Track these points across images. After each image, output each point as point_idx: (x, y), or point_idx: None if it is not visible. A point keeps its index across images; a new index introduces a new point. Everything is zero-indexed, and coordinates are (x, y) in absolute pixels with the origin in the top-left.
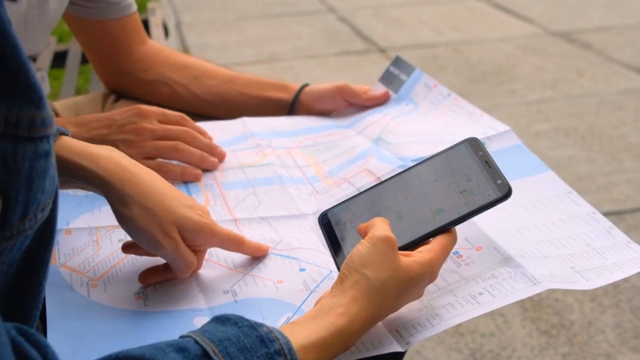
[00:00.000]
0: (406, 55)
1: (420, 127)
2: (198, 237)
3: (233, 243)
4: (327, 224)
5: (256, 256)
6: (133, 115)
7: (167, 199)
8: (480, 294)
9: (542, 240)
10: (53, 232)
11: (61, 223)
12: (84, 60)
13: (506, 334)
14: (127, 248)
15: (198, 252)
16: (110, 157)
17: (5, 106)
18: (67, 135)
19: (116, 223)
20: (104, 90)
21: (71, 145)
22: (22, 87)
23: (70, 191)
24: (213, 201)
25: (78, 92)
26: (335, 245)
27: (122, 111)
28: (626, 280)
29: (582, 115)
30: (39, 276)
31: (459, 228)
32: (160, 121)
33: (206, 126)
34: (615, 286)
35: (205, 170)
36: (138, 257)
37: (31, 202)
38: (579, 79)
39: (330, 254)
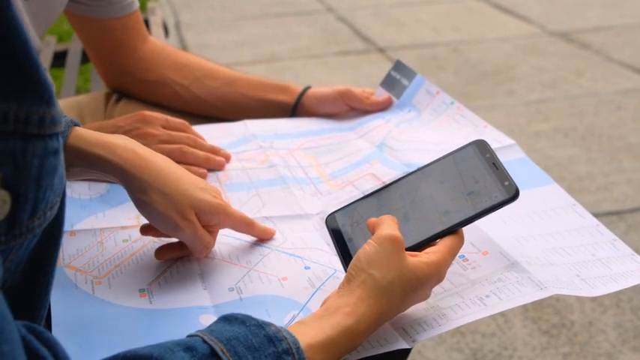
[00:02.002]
0: (405, 54)
1: (424, 135)
2: (213, 218)
3: (244, 224)
4: (335, 226)
5: (264, 238)
6: (137, 120)
7: (183, 183)
8: (487, 296)
9: (547, 248)
10: (60, 231)
11: (65, 226)
12: (84, 60)
13: (507, 334)
14: (145, 230)
15: (212, 232)
16: (126, 146)
17: (15, 103)
18: (79, 125)
19: (120, 224)
20: (106, 90)
21: (86, 136)
22: (32, 84)
23: (75, 194)
24: None
25: (78, 92)
26: (343, 247)
27: (126, 117)
28: None
29: (582, 115)
30: (46, 275)
31: (464, 234)
32: (162, 127)
33: (208, 128)
34: None
35: (209, 171)
36: (142, 256)
37: (40, 200)
38: (578, 79)
39: (336, 255)
